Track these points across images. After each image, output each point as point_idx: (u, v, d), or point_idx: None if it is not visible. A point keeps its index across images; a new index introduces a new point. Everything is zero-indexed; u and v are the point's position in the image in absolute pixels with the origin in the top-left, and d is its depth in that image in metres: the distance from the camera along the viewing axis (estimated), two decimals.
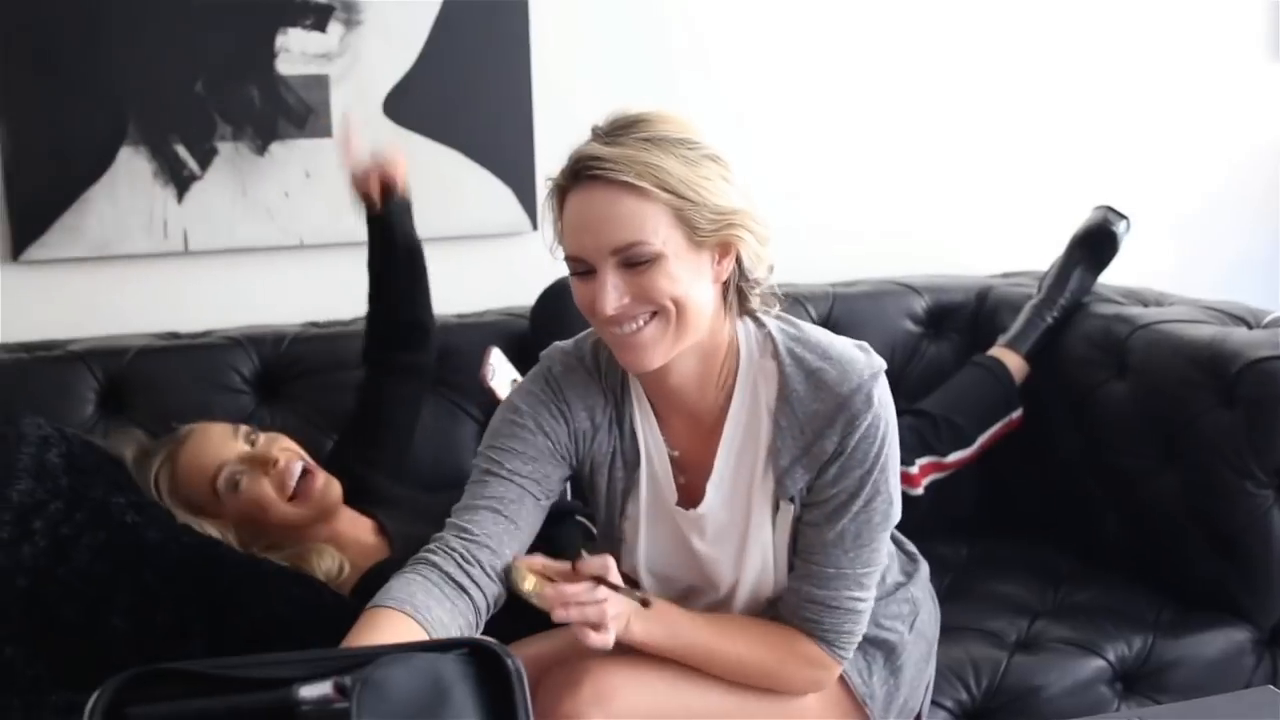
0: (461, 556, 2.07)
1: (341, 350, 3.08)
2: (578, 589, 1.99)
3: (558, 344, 2.28)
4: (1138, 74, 3.86)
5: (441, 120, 3.36)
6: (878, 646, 2.34)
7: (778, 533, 2.20)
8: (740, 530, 2.20)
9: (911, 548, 2.51)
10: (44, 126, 3.14)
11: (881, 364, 2.14)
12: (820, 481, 2.14)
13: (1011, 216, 3.79)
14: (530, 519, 2.17)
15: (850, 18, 3.63)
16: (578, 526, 2.67)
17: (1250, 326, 2.98)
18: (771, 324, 2.19)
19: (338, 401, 3.01)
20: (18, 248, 3.15)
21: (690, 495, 2.22)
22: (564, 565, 2.05)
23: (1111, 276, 3.31)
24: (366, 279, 2.92)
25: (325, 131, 3.29)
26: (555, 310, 3.00)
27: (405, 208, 2.88)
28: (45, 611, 2.33)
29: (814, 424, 2.12)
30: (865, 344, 2.18)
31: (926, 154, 3.73)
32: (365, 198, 2.86)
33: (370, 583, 2.52)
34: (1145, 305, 3.19)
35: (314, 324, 3.20)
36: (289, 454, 2.67)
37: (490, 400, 2.79)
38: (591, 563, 2.02)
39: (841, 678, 2.28)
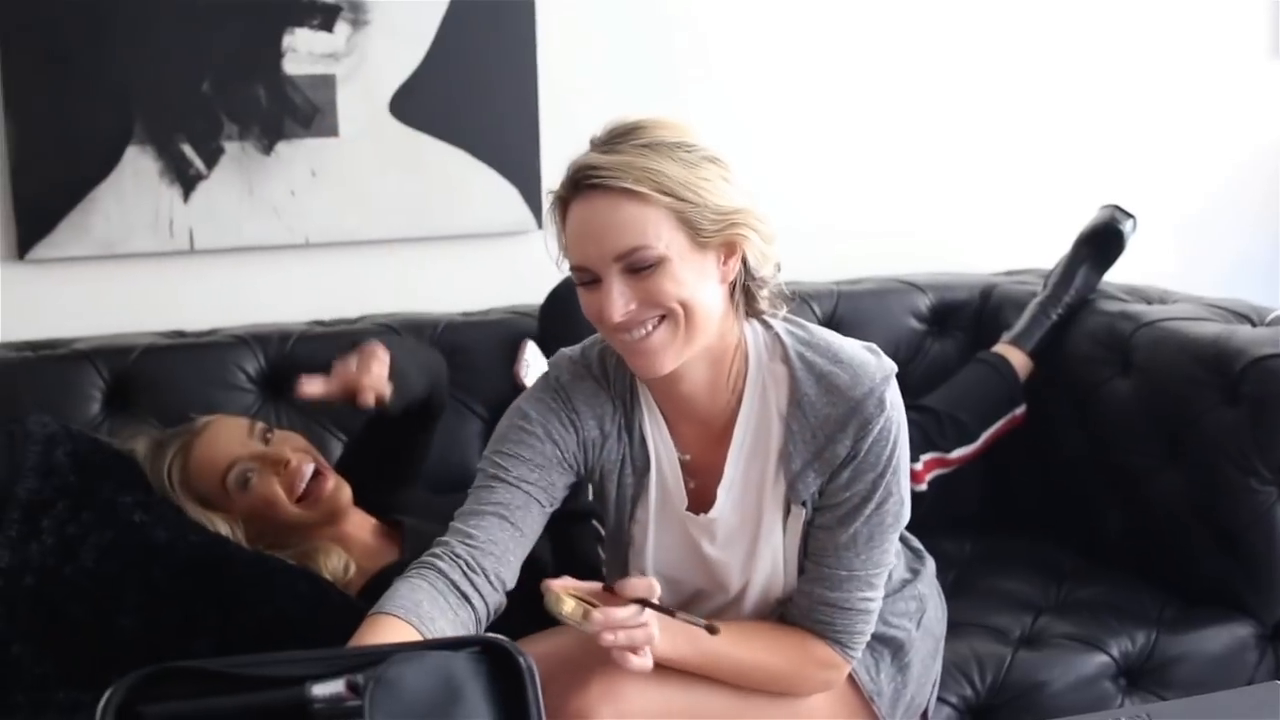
0: (467, 564, 2.07)
1: (347, 349, 3.04)
2: (625, 614, 1.96)
3: (564, 351, 2.28)
4: (1140, 73, 3.87)
5: (448, 120, 3.36)
6: (885, 644, 2.34)
7: (789, 536, 2.20)
8: (751, 534, 2.21)
9: (918, 544, 2.51)
10: (51, 125, 3.14)
11: (892, 367, 2.15)
12: (833, 485, 2.14)
13: (1015, 215, 3.79)
14: (534, 526, 2.16)
15: (854, 17, 3.63)
16: (594, 528, 2.67)
17: (1254, 324, 2.98)
18: (779, 326, 2.19)
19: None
20: (24, 246, 3.15)
21: (701, 499, 2.22)
22: (594, 585, 2.02)
23: (1114, 275, 3.32)
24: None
25: (332, 131, 3.29)
26: (563, 310, 2.99)
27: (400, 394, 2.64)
28: (52, 610, 2.34)
29: (826, 428, 2.12)
30: (875, 346, 2.19)
31: (930, 153, 3.73)
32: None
33: (379, 586, 2.52)
34: (1149, 303, 3.20)
35: (319, 322, 3.20)
36: (301, 455, 2.67)
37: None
38: (636, 585, 1.99)
39: (850, 675, 2.29)
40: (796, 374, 2.14)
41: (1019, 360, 3.19)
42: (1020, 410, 3.17)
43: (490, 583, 2.08)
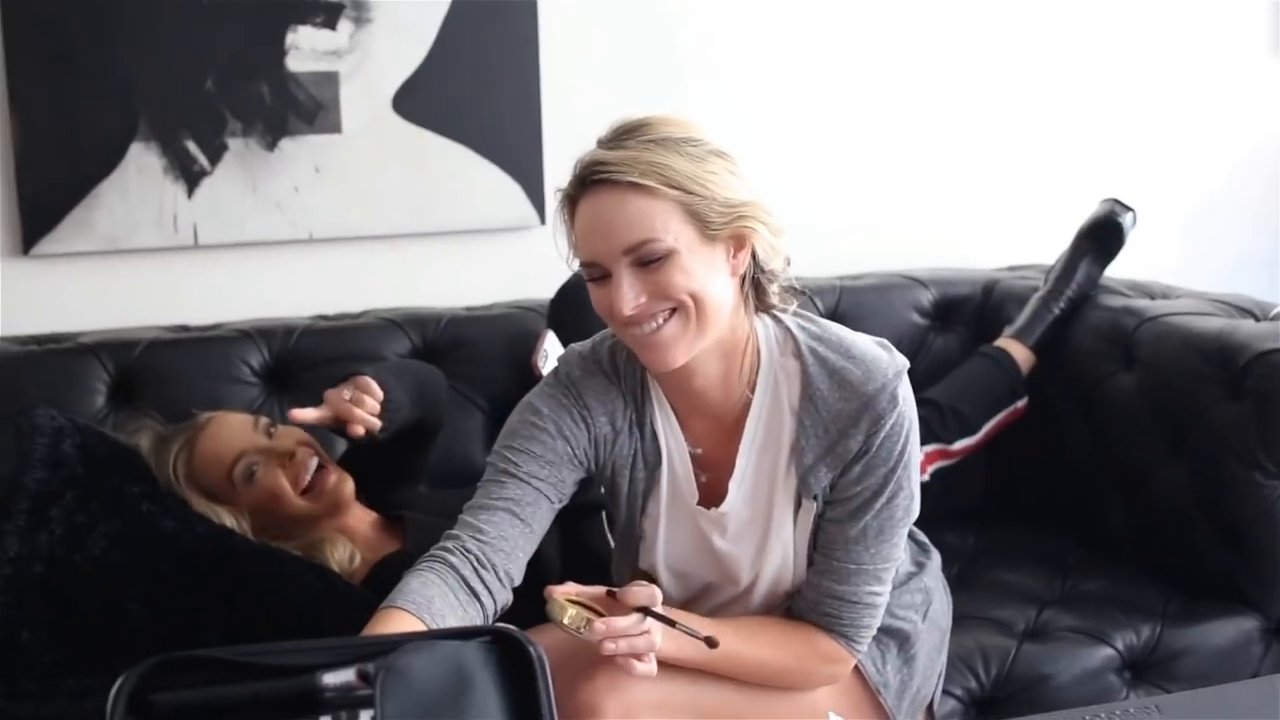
0: (477, 560, 2.08)
1: (352, 343, 3.09)
2: (627, 623, 1.96)
3: (574, 347, 2.29)
4: (1141, 69, 3.87)
5: (451, 116, 3.36)
6: (891, 636, 2.35)
7: (799, 530, 2.21)
8: (762, 528, 2.21)
9: (923, 538, 2.52)
10: (55, 122, 3.15)
11: (904, 363, 2.15)
12: (844, 479, 2.15)
13: (1017, 210, 3.79)
14: (543, 522, 2.17)
15: (855, 13, 3.63)
16: (604, 521, 2.67)
17: (1257, 319, 2.99)
18: (790, 321, 2.20)
19: None
20: (29, 241, 3.15)
21: (712, 494, 2.23)
22: (598, 590, 2.03)
23: (1116, 270, 3.32)
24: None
25: (335, 128, 3.29)
26: (572, 305, 3.00)
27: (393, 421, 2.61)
28: (61, 598, 2.35)
29: (839, 423, 2.13)
30: (886, 341, 2.20)
31: (932, 148, 3.74)
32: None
33: (382, 573, 2.54)
34: (1152, 298, 3.20)
35: (323, 317, 3.21)
36: (305, 449, 2.69)
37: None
38: (639, 594, 1.99)
39: (856, 667, 2.29)
40: (809, 369, 2.15)
41: (1021, 354, 3.20)
42: (1022, 403, 3.18)
43: (499, 579, 2.09)
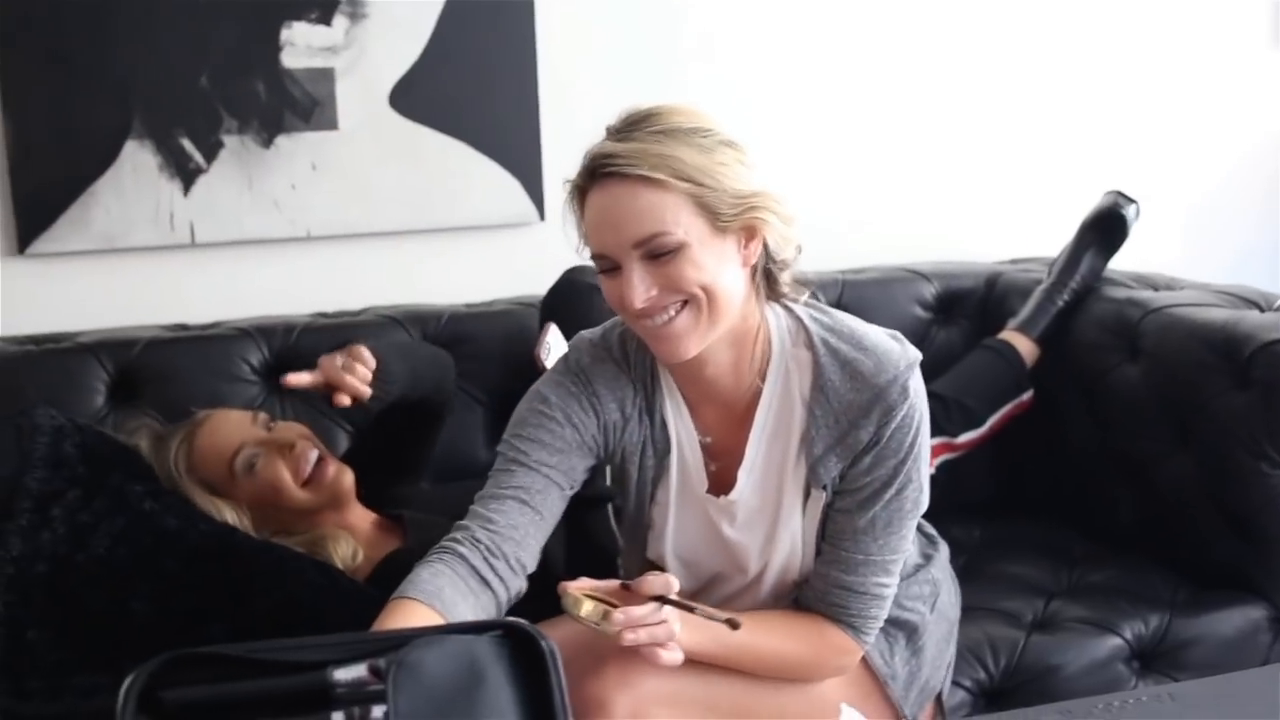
0: (487, 549, 2.07)
1: (352, 340, 3.04)
2: (643, 611, 1.95)
3: (584, 334, 2.28)
4: (1142, 62, 3.87)
5: (448, 112, 3.35)
6: (899, 627, 2.34)
7: (807, 519, 2.20)
8: (771, 516, 2.21)
9: (931, 530, 2.53)
10: (49, 120, 3.13)
11: (917, 355, 2.15)
12: (854, 470, 2.15)
13: (1019, 203, 3.79)
14: (554, 509, 2.17)
15: (856, 8, 3.63)
16: (609, 513, 2.66)
17: (1262, 309, 2.97)
18: (802, 312, 2.20)
19: None
20: (24, 241, 3.14)
21: (721, 482, 2.22)
22: (611, 584, 2.02)
23: (1119, 262, 3.32)
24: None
25: (331, 124, 3.28)
26: (566, 300, 2.99)
27: (384, 392, 2.63)
28: (66, 597, 2.34)
29: (849, 414, 2.12)
30: (899, 333, 2.19)
31: (935, 141, 3.73)
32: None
33: (387, 570, 2.54)
34: (1156, 289, 3.19)
35: (322, 314, 3.20)
36: (305, 441, 2.68)
37: None
38: (653, 582, 1.98)
39: (863, 659, 2.29)
40: (820, 359, 2.14)
41: (1025, 346, 3.19)
42: (1027, 396, 3.17)
43: (511, 567, 2.08)
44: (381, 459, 2.83)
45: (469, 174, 3.38)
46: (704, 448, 2.22)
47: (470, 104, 3.36)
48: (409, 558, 2.53)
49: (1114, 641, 2.74)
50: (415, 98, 3.33)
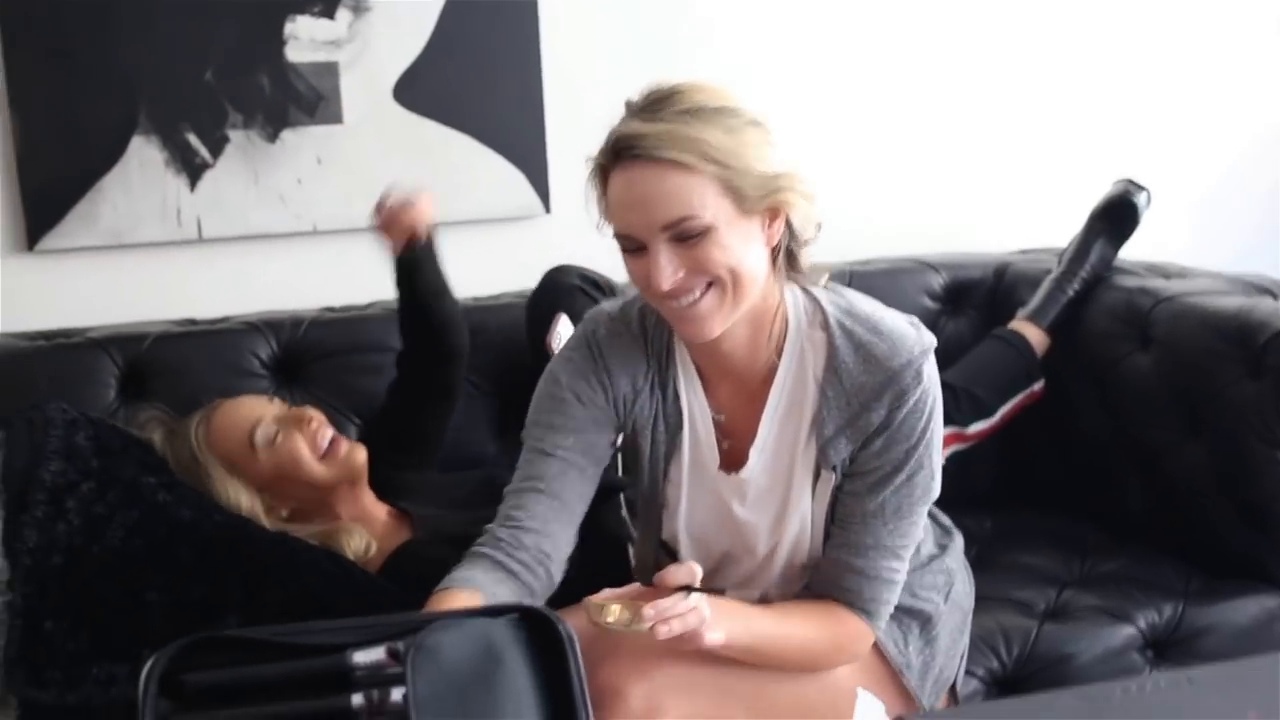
0: (509, 545, 2.10)
1: (360, 333, 3.09)
2: (671, 602, 1.94)
3: (603, 306, 2.29)
4: (1151, 50, 3.87)
5: (452, 105, 3.35)
6: (913, 617, 2.34)
7: (816, 500, 2.20)
8: (781, 496, 2.21)
9: (947, 521, 2.53)
10: (55, 116, 3.13)
11: (932, 340, 2.15)
12: (864, 453, 2.15)
13: (1028, 193, 3.78)
14: (575, 492, 2.18)
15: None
16: (620, 503, 2.67)
17: (1275, 297, 2.97)
18: (821, 295, 2.20)
19: (358, 384, 3.03)
20: (33, 237, 3.14)
21: (733, 460, 2.22)
22: (632, 588, 2.01)
23: (1128, 251, 3.31)
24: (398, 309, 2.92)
25: (336, 118, 3.28)
26: (549, 301, 3.02)
27: (430, 252, 2.86)
28: (82, 588, 2.35)
29: (861, 396, 2.12)
30: (916, 319, 2.19)
31: (943, 132, 3.73)
32: (391, 240, 2.85)
33: (398, 562, 2.55)
34: (1167, 278, 3.18)
35: (329, 309, 3.19)
36: (320, 419, 2.72)
37: None
38: (678, 573, 1.97)
39: (877, 648, 2.29)
40: (835, 341, 2.14)
41: (1036, 336, 3.18)
42: (1038, 386, 3.16)
43: (535, 558, 2.11)
44: (397, 430, 2.87)
45: (474, 167, 3.37)
46: (717, 425, 2.22)
47: (474, 97, 3.35)
48: (420, 550, 2.55)
49: (1127, 630, 2.73)
50: (419, 91, 3.33)
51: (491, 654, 1.68)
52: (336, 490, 2.69)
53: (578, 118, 3.35)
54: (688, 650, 2.01)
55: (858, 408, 2.12)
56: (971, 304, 3.43)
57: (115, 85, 3.15)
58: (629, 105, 2.05)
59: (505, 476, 2.83)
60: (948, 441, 2.97)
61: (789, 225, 2.09)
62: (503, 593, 2.02)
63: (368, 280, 3.23)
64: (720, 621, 1.99)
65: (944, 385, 2.99)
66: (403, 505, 2.78)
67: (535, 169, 3.40)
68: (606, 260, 2.68)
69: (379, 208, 2.81)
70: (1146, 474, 3.06)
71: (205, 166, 3.22)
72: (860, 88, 3.64)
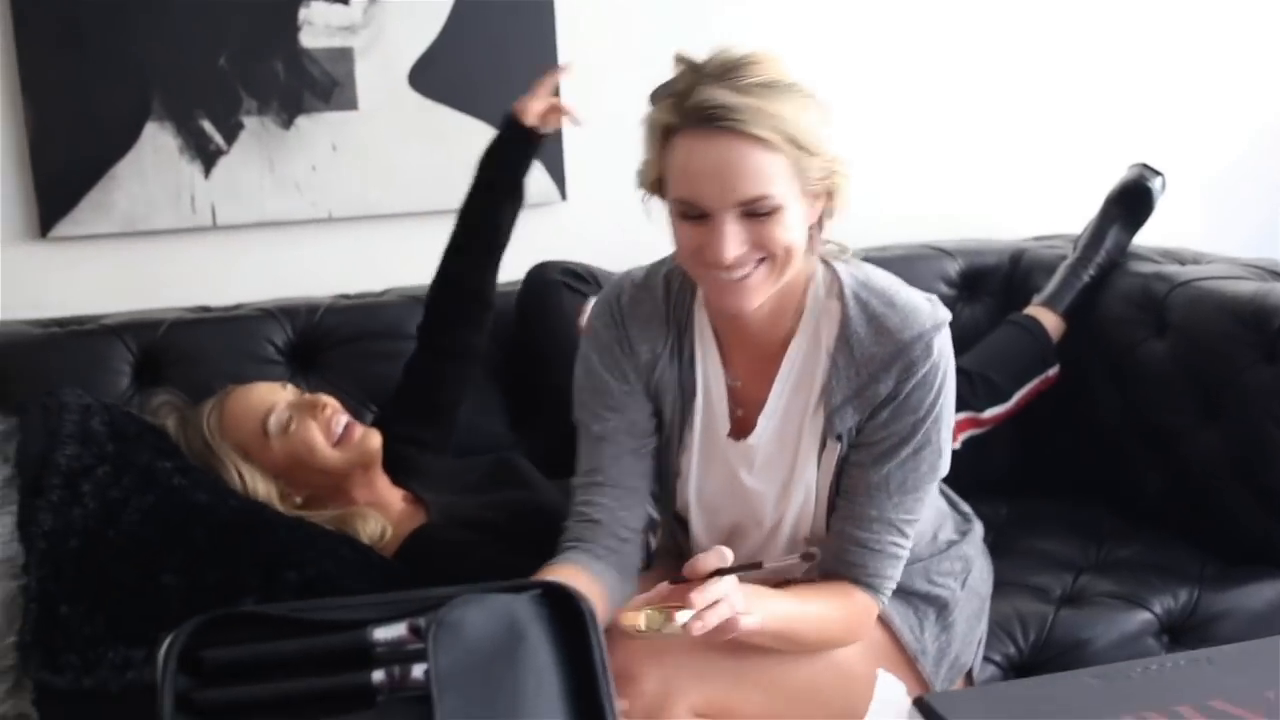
0: (588, 537, 2.18)
1: (376, 320, 3.09)
2: (699, 598, 1.90)
3: (629, 273, 2.29)
4: (1167, 35, 3.86)
5: (468, 91, 3.34)
6: (930, 603, 2.34)
7: (821, 471, 2.20)
8: (788, 464, 2.21)
9: (966, 508, 2.54)
10: (69, 103, 3.13)
11: (946, 316, 2.16)
12: (871, 424, 2.15)
13: (1043, 180, 3.78)
14: (636, 472, 2.25)
15: None
16: None
17: None
18: (840, 267, 2.20)
19: (373, 371, 3.03)
20: (46, 224, 3.14)
21: (744, 427, 2.23)
22: (660, 589, 1.98)
23: (1141, 238, 3.31)
24: (453, 233, 2.91)
25: (351, 104, 3.28)
26: (536, 298, 3.07)
27: (537, 150, 2.88)
28: (98, 571, 2.35)
29: (870, 366, 2.13)
30: (934, 297, 2.19)
31: (958, 118, 3.73)
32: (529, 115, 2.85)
33: (414, 546, 2.55)
34: (1182, 263, 3.18)
35: (344, 296, 3.19)
36: (334, 405, 2.71)
37: None
38: (708, 558, 1.95)
39: (893, 633, 2.29)
40: (849, 312, 2.15)
41: (1051, 321, 3.17)
42: (1053, 371, 3.15)
43: (619, 539, 2.19)
44: (417, 403, 2.87)
45: None
46: (731, 391, 2.23)
47: (490, 83, 3.34)
48: (435, 533, 2.55)
49: (1143, 616, 2.72)
50: (435, 77, 3.32)
51: (514, 630, 1.68)
52: (351, 476, 2.69)
53: (594, 104, 3.34)
54: (720, 640, 1.99)
55: (866, 378, 2.13)
56: (987, 290, 3.42)
57: (129, 71, 3.14)
58: (696, 67, 2.04)
59: (517, 461, 2.85)
60: (963, 426, 2.98)
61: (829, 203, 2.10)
62: (601, 568, 2.12)
63: (383, 267, 3.25)
64: (752, 606, 1.98)
65: (959, 370, 3.00)
66: (416, 489, 2.77)
67: (551, 156, 3.39)
68: (619, 249, 2.69)
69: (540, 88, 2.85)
70: (1162, 459, 3.05)
71: (219, 153, 3.21)
72: (875, 75, 3.64)
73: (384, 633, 1.65)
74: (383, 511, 2.67)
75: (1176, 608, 2.75)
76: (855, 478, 2.18)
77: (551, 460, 2.81)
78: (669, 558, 2.31)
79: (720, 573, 1.94)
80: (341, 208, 3.30)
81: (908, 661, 2.30)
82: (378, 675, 1.63)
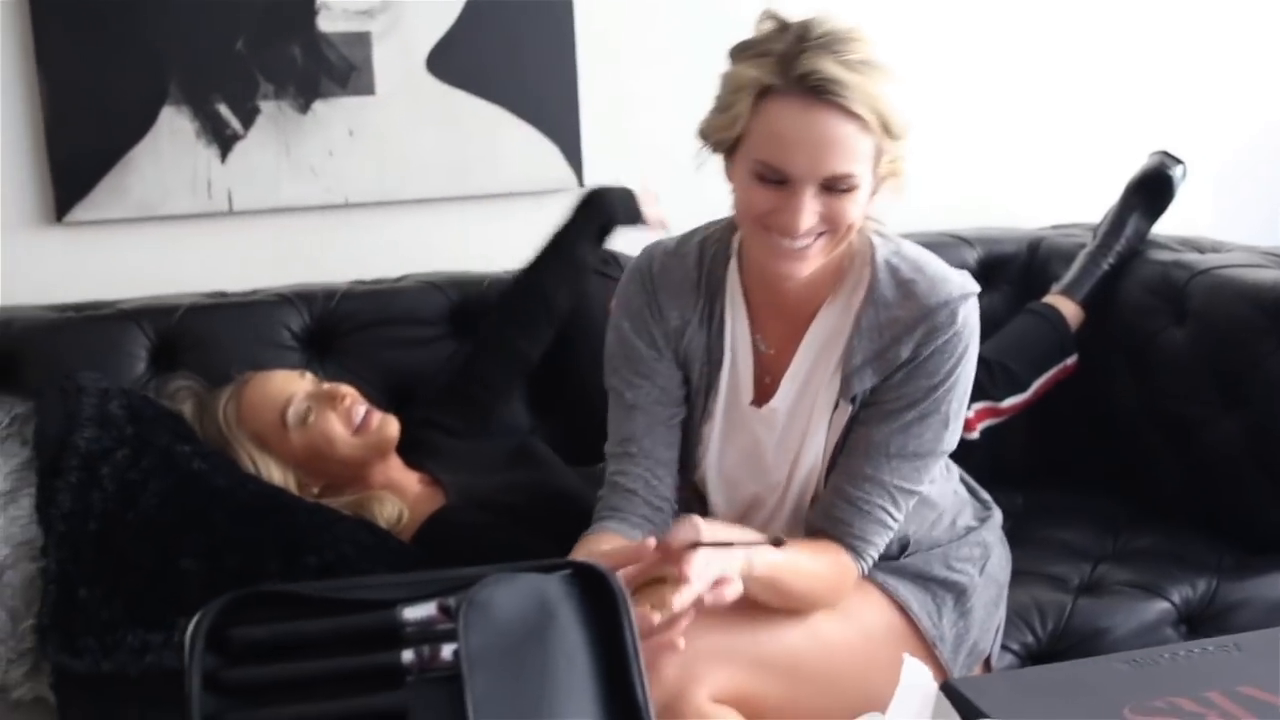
0: (624, 505, 2.21)
1: (392, 306, 3.08)
2: (694, 576, 1.90)
3: (660, 242, 2.31)
4: (1185, 22, 3.85)
5: (485, 76, 3.33)
6: (948, 589, 2.34)
7: (830, 432, 2.21)
8: (802, 427, 2.23)
9: (986, 496, 2.54)
10: (85, 87, 3.11)
11: (975, 287, 2.17)
12: (885, 384, 2.17)
13: (1062, 168, 3.77)
14: (665, 442, 2.26)
15: None
16: None
17: None
18: (877, 240, 2.20)
19: (390, 356, 3.02)
20: (62, 209, 3.13)
21: (768, 394, 2.24)
22: (634, 544, 2.00)
23: (1158, 227, 3.30)
24: (548, 243, 3.01)
25: (368, 89, 3.26)
26: (527, 292, 3.03)
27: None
28: (116, 554, 2.35)
29: (893, 329, 2.14)
30: (966, 272, 2.20)
31: (976, 106, 3.72)
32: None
33: (432, 530, 2.55)
34: (1202, 252, 3.17)
35: (361, 282, 3.17)
36: (353, 394, 2.71)
37: None
38: (680, 531, 1.94)
39: (911, 619, 2.29)
40: (879, 276, 2.16)
41: (1070, 310, 3.16)
42: (1072, 360, 3.14)
43: (653, 507, 2.22)
44: (465, 401, 2.90)
45: (507, 139, 3.36)
46: (759, 358, 2.24)
47: (508, 68, 3.33)
48: (453, 516, 2.54)
49: (1161, 605, 2.71)
50: (452, 62, 3.31)
51: (545, 609, 1.67)
52: (368, 462, 2.68)
53: (612, 90, 3.34)
54: (721, 609, 1.99)
55: (889, 340, 2.14)
56: (1006, 279, 3.41)
57: (145, 55, 3.13)
58: (799, 31, 2.04)
59: (537, 445, 2.84)
60: (981, 415, 2.98)
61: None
62: (639, 537, 2.11)
63: (400, 252, 3.24)
64: (731, 568, 1.97)
65: (978, 359, 3.01)
66: (434, 470, 2.76)
67: (569, 142, 3.38)
68: (634, 233, 2.69)
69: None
70: (1181, 448, 3.04)
71: (236, 138, 3.20)
72: (894, 62, 3.61)
73: (413, 612, 1.64)
74: (399, 494, 2.67)
75: (1195, 597, 2.74)
76: (859, 435, 2.19)
77: (572, 445, 2.81)
78: None
79: (696, 544, 1.93)
80: (358, 193, 3.29)
81: (925, 647, 2.30)
82: (407, 655, 1.62)
